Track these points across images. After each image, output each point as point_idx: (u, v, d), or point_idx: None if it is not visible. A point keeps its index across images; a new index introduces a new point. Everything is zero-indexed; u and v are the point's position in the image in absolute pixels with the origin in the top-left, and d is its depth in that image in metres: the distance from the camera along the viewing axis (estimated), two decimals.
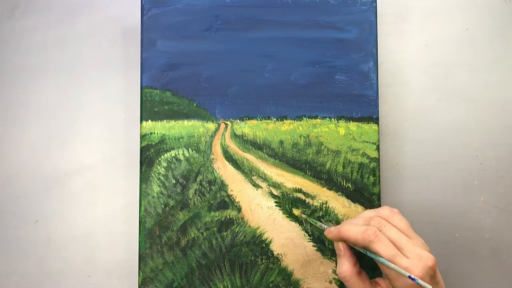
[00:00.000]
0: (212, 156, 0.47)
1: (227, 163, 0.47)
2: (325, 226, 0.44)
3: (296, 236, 0.46)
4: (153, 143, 0.47)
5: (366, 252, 0.38)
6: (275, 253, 0.46)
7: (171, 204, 0.46)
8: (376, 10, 0.49)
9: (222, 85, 0.48)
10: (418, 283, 0.34)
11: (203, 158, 0.47)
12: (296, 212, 0.47)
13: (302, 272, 0.46)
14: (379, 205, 0.47)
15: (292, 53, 0.48)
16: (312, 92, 0.48)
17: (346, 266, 0.40)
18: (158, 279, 0.45)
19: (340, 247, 0.41)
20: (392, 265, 0.35)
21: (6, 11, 0.56)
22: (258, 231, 0.46)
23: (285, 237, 0.46)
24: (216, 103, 0.48)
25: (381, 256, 0.37)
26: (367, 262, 0.43)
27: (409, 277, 0.34)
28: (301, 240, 0.46)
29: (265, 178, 0.47)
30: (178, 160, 0.47)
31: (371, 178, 0.47)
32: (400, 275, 0.36)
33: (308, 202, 0.47)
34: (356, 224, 0.40)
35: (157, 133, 0.47)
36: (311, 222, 0.46)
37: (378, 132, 0.48)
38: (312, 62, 0.48)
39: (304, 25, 0.48)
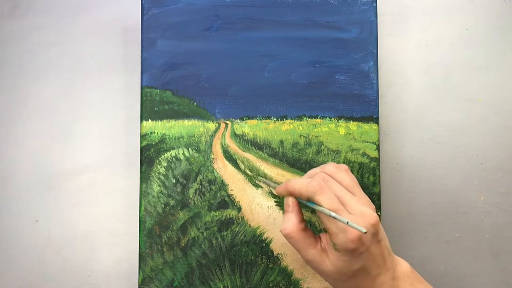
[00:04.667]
0: (212, 155, 0.47)
1: (227, 162, 0.47)
2: (275, 185, 0.43)
3: None
4: (153, 143, 0.47)
5: (310, 205, 0.38)
6: (275, 252, 0.46)
7: (171, 204, 0.46)
8: (376, 10, 0.49)
9: (222, 84, 0.48)
10: (354, 227, 0.33)
11: (203, 157, 0.47)
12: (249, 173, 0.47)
13: (302, 272, 0.46)
14: (379, 205, 0.47)
15: (292, 52, 0.48)
16: (312, 91, 0.48)
17: (291, 222, 0.38)
18: (158, 279, 0.45)
19: (289, 202, 0.39)
20: (333, 214, 0.35)
21: (6, 11, 0.56)
22: (258, 231, 0.46)
23: None
24: (216, 102, 0.48)
25: (323, 207, 0.36)
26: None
27: (347, 222, 0.33)
28: None
29: (265, 178, 0.47)
30: (178, 159, 0.47)
31: (371, 178, 0.47)
32: (340, 230, 0.35)
33: None
34: (302, 178, 0.40)
35: (157, 133, 0.47)
36: (262, 182, 0.46)
37: (378, 132, 0.48)
38: (312, 62, 0.48)
39: (304, 24, 0.48)
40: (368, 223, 0.35)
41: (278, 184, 0.44)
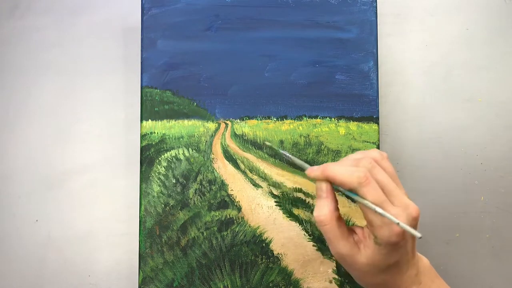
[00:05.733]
0: (212, 155, 0.47)
1: (227, 162, 0.47)
2: (307, 165, 0.39)
3: (296, 235, 0.46)
4: (153, 143, 0.47)
5: (351, 195, 0.35)
6: (275, 252, 0.46)
7: (171, 204, 0.46)
8: (376, 10, 0.49)
9: (222, 84, 0.48)
10: (408, 230, 0.32)
11: (203, 157, 0.47)
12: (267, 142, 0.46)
13: (302, 272, 0.46)
14: None
15: (292, 52, 0.48)
16: (312, 91, 0.48)
17: (326, 209, 0.36)
18: (158, 279, 0.45)
19: (323, 188, 0.36)
20: (380, 210, 0.33)
21: (6, 11, 0.56)
22: (258, 231, 0.46)
23: (285, 237, 0.46)
24: (216, 102, 0.48)
25: (368, 201, 0.34)
26: None
27: (398, 224, 0.32)
28: (301, 240, 0.46)
29: (265, 178, 0.47)
30: (178, 159, 0.47)
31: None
32: (385, 223, 0.33)
33: (308, 202, 0.47)
34: (344, 164, 0.37)
35: (157, 133, 0.47)
36: (285, 156, 0.41)
37: (378, 132, 0.48)
38: (312, 61, 0.48)
39: (304, 24, 0.48)
40: (411, 216, 0.34)
41: (301, 160, 0.41)
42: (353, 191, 0.35)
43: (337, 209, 0.37)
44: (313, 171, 0.37)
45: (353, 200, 0.36)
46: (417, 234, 0.32)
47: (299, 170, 0.45)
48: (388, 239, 0.34)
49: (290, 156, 0.41)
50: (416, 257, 0.37)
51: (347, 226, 0.37)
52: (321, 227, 0.36)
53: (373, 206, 0.34)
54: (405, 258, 0.36)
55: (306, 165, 0.39)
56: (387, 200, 0.34)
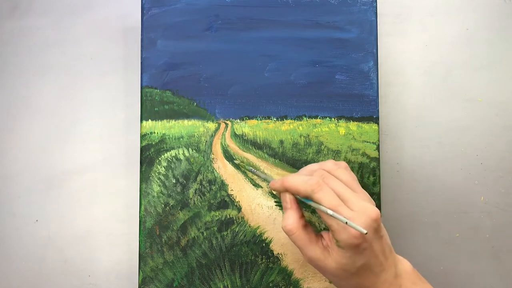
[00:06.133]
0: (212, 155, 0.47)
1: (227, 162, 0.47)
2: (270, 178, 0.42)
3: None
4: (153, 143, 0.47)
5: (309, 202, 0.37)
6: (275, 252, 0.46)
7: (171, 204, 0.46)
8: (376, 10, 0.49)
9: (222, 84, 0.48)
10: (353, 227, 0.33)
11: (203, 157, 0.47)
12: (236, 161, 0.47)
13: (302, 272, 0.46)
14: (379, 205, 0.47)
15: (292, 52, 0.48)
16: (312, 91, 0.48)
17: (292, 219, 0.38)
18: (158, 279, 0.45)
19: (287, 199, 0.39)
20: (331, 212, 0.34)
21: (6, 11, 0.56)
22: (258, 231, 0.46)
23: (285, 237, 0.46)
24: (216, 102, 0.48)
25: (322, 205, 0.35)
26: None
27: (346, 223, 0.33)
28: None
29: (265, 178, 0.47)
30: (178, 159, 0.47)
31: (371, 178, 0.47)
32: (342, 226, 0.34)
33: None
34: (300, 174, 0.39)
35: (157, 133, 0.47)
36: (251, 171, 0.45)
37: (378, 132, 0.48)
38: (312, 62, 0.48)
39: (304, 24, 0.48)
40: (369, 219, 0.35)
41: (266, 174, 0.44)
42: (308, 198, 0.37)
43: (302, 217, 0.39)
44: (274, 184, 0.40)
45: (311, 207, 0.39)
46: (362, 230, 0.33)
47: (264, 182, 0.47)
48: (348, 241, 0.35)
49: (255, 171, 0.45)
50: (391, 259, 0.37)
51: (315, 233, 0.39)
52: (289, 236, 0.38)
53: (326, 209, 0.35)
54: (376, 261, 0.36)
55: (269, 178, 0.42)
56: (343, 205, 0.36)
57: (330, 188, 0.37)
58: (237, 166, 0.47)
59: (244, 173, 0.47)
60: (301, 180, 0.37)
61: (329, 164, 0.40)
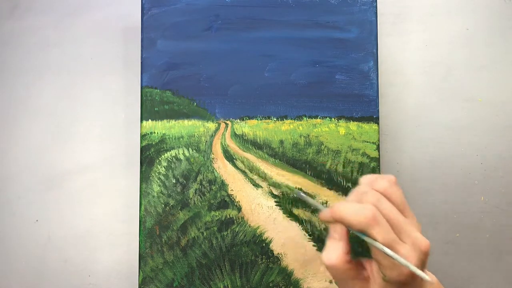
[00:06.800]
0: (212, 155, 0.47)
1: (227, 162, 0.47)
2: (320, 207, 0.38)
3: (296, 235, 0.46)
4: (154, 143, 0.47)
5: (363, 237, 0.34)
6: (275, 252, 0.46)
7: (171, 204, 0.46)
8: (376, 10, 0.49)
9: (222, 84, 0.48)
10: (419, 274, 0.31)
11: (203, 157, 0.47)
12: (289, 190, 0.46)
13: (302, 272, 0.46)
14: None
15: (292, 52, 0.48)
16: (312, 91, 0.48)
17: (336, 253, 0.34)
18: (158, 279, 0.45)
19: (338, 230, 0.35)
20: (391, 253, 0.32)
21: (6, 11, 0.56)
22: (258, 231, 0.46)
23: (285, 237, 0.46)
24: (216, 102, 0.48)
25: (378, 242, 0.33)
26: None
27: (409, 266, 0.32)
28: (301, 240, 0.46)
29: (265, 178, 0.47)
30: (179, 159, 0.47)
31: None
32: (395, 264, 0.32)
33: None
34: (351, 202, 0.35)
35: (157, 133, 0.47)
36: (299, 195, 0.40)
37: (378, 132, 0.48)
38: (312, 61, 0.48)
39: (304, 24, 0.48)
40: (421, 253, 0.33)
41: (316, 201, 0.39)
42: (362, 232, 0.34)
43: (349, 252, 0.35)
44: (323, 215, 0.36)
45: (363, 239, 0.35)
46: (427, 277, 0.31)
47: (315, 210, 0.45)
48: (397, 278, 0.33)
49: (305, 196, 0.40)
50: (424, 283, 0.36)
51: (355, 262, 0.36)
52: (331, 270, 0.35)
53: (384, 248, 0.32)
54: (415, 287, 0.34)
55: (320, 206, 0.38)
56: (396, 239, 0.33)
57: (384, 215, 0.33)
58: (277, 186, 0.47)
59: (244, 173, 0.47)
60: (353, 211, 0.33)
61: (381, 183, 0.36)
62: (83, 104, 0.55)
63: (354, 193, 0.36)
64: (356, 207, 0.34)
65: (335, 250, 0.35)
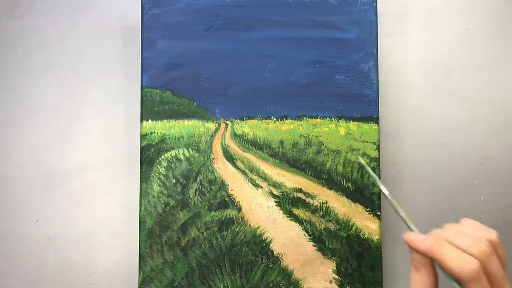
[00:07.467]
0: (213, 155, 0.47)
1: (227, 162, 0.47)
2: (412, 226, 0.35)
3: (296, 235, 0.46)
4: (154, 143, 0.47)
5: (452, 282, 0.32)
6: (275, 252, 0.46)
7: (171, 204, 0.46)
8: (376, 10, 0.49)
9: (222, 84, 0.48)
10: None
11: (204, 157, 0.47)
12: (361, 159, 0.44)
13: (302, 272, 0.46)
14: (379, 205, 0.47)
15: (292, 52, 0.48)
16: (313, 91, 0.48)
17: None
18: (158, 279, 0.45)
19: (423, 260, 0.33)
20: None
21: (6, 11, 0.56)
22: (258, 231, 0.46)
23: (285, 237, 0.46)
24: (217, 102, 0.48)
25: None
26: None
27: None
28: (301, 240, 0.46)
29: (265, 178, 0.47)
30: (179, 159, 0.47)
31: (371, 178, 0.47)
32: None
33: (308, 202, 0.47)
34: (457, 246, 0.32)
35: (158, 133, 0.47)
36: (399, 214, 0.37)
37: (378, 132, 0.48)
38: (312, 61, 0.48)
39: (304, 25, 0.48)
40: None
41: (413, 224, 0.36)
42: (459, 279, 0.31)
43: (435, 285, 0.33)
44: (418, 242, 0.33)
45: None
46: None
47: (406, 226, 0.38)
48: None
49: (406, 217, 0.37)
50: None
51: None
52: None
53: None
54: None
55: (413, 226, 0.35)
56: None
57: (489, 273, 0.31)
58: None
59: (244, 173, 0.47)
60: (460, 259, 0.31)
61: (494, 235, 0.33)
62: (83, 104, 0.55)
63: (465, 234, 0.33)
64: (461, 255, 0.31)
65: (422, 284, 0.33)
